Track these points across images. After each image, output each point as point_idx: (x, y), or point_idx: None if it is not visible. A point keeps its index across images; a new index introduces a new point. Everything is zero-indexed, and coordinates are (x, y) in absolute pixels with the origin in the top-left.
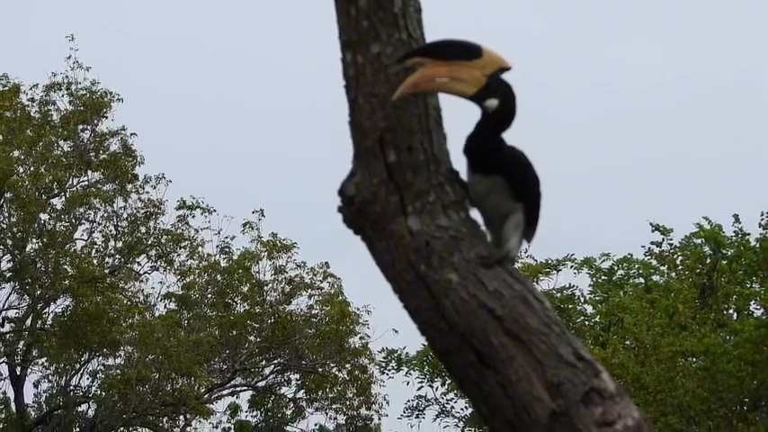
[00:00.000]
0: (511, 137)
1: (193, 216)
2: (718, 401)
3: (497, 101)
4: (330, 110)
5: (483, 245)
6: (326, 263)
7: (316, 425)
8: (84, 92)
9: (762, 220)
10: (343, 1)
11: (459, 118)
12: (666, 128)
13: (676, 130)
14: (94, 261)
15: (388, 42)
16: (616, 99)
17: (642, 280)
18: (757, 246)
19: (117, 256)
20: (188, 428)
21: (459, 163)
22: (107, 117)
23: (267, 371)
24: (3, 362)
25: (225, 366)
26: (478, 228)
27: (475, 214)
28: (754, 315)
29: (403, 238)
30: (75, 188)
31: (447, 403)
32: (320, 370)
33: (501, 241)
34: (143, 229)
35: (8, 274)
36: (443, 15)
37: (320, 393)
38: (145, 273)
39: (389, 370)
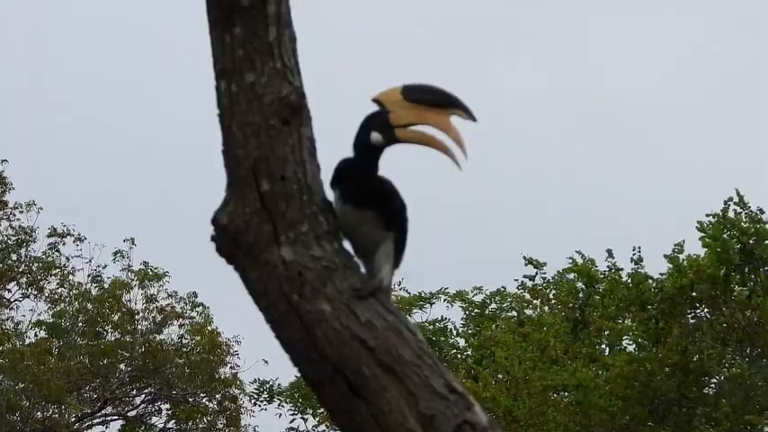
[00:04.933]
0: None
1: (64, 244)
2: None
3: (379, 134)
4: (206, 137)
5: (356, 276)
6: (194, 292)
7: None
8: None
9: (634, 255)
10: (218, 29)
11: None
12: (541, 162)
13: (551, 164)
14: None
15: (263, 71)
16: (489, 127)
17: (515, 313)
18: (629, 281)
19: None
20: None
21: (330, 193)
22: None
23: (138, 400)
24: None
25: (95, 395)
26: (352, 258)
27: (346, 244)
28: (626, 350)
29: (276, 268)
30: None
31: None
32: (191, 400)
33: (373, 271)
34: (14, 257)
35: None
36: (317, 44)
37: (191, 424)
38: (15, 300)
39: (262, 401)
